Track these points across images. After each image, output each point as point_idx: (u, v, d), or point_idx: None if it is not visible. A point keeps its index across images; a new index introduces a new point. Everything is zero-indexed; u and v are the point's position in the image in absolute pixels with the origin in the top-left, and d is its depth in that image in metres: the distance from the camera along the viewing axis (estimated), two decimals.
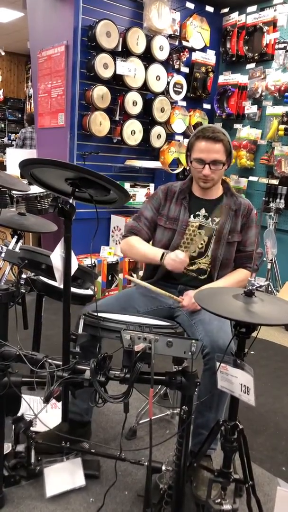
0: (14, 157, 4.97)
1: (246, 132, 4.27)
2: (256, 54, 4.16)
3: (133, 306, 1.83)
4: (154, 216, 1.97)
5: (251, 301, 1.24)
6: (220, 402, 1.63)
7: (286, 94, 3.87)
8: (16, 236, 2.05)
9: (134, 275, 4.12)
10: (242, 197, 1.98)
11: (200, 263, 1.90)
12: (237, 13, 4.38)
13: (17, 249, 1.99)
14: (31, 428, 1.66)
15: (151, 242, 2.00)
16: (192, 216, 1.92)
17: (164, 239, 1.93)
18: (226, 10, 4.47)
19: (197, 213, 1.92)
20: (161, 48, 4.01)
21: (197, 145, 1.81)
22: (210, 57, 4.47)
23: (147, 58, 3.96)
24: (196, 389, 1.60)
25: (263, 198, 3.01)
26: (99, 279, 3.91)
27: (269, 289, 3.99)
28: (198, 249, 1.89)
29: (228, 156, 1.84)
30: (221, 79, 4.54)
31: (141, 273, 4.07)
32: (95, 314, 1.40)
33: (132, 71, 3.80)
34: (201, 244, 1.89)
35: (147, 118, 4.13)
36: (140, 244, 1.94)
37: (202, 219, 1.92)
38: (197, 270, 1.90)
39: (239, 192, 4.23)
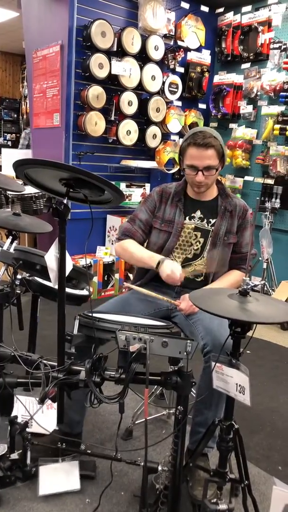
0: (9, 157, 4.95)
1: (241, 132, 4.28)
2: (251, 54, 4.17)
3: (130, 312, 1.79)
4: (149, 219, 1.95)
5: (246, 300, 1.25)
6: (219, 401, 1.62)
7: (281, 93, 3.89)
8: (11, 237, 2.04)
9: (131, 275, 4.12)
10: (237, 197, 1.97)
11: (196, 265, 1.90)
12: (232, 12, 4.39)
13: (11, 250, 1.98)
14: (27, 429, 1.66)
15: (145, 245, 1.99)
16: (187, 218, 1.91)
17: (159, 241, 1.92)
18: (221, 10, 4.48)
19: (192, 215, 1.91)
20: (156, 48, 4.01)
21: (188, 151, 1.79)
22: (205, 56, 4.48)
23: (142, 58, 3.97)
24: (195, 388, 1.60)
25: (257, 198, 3.01)
26: (95, 279, 3.91)
27: (265, 288, 3.99)
28: (193, 251, 1.89)
29: (221, 159, 1.82)
30: (216, 78, 4.55)
31: None
32: (90, 314, 1.40)
33: (127, 71, 3.79)
34: (197, 246, 1.89)
35: (142, 118, 4.13)
36: (135, 248, 1.91)
37: (198, 221, 1.91)
38: (193, 272, 1.89)
39: (234, 192, 4.25)
